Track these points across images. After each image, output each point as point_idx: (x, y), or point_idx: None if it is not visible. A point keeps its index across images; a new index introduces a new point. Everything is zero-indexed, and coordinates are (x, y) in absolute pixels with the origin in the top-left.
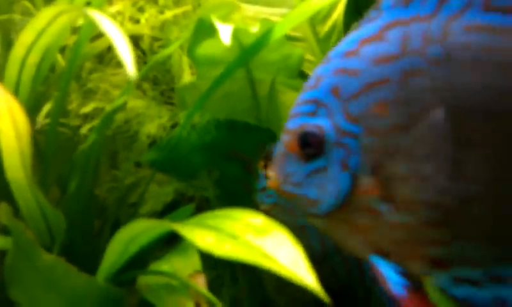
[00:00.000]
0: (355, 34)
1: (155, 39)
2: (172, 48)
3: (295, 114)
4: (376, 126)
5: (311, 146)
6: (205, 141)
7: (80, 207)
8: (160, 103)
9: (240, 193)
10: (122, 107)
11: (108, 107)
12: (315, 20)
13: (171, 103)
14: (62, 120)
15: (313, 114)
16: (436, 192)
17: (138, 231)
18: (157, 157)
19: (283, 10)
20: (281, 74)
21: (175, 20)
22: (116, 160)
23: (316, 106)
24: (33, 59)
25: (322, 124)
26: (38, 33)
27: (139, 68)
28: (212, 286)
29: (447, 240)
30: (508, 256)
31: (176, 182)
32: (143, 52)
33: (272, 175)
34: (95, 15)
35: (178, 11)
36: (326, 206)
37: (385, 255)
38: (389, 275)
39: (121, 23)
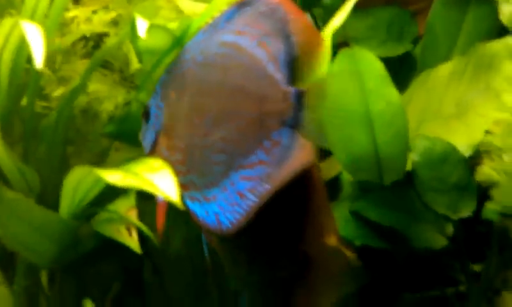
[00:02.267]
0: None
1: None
2: (113, 41)
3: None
4: (169, 104)
5: (146, 115)
6: None
7: (53, 166)
8: (118, 86)
9: None
10: (84, 90)
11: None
12: None
13: (131, 86)
14: (40, 103)
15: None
16: (183, 142)
17: (79, 177)
18: (113, 129)
19: None
20: None
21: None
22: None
23: (155, 92)
24: (7, 56)
25: (151, 102)
26: (5, 38)
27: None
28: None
29: (185, 172)
30: (208, 183)
31: (130, 149)
32: None
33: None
34: (23, 24)
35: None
36: (146, 150)
37: None
38: None
39: (78, 25)
